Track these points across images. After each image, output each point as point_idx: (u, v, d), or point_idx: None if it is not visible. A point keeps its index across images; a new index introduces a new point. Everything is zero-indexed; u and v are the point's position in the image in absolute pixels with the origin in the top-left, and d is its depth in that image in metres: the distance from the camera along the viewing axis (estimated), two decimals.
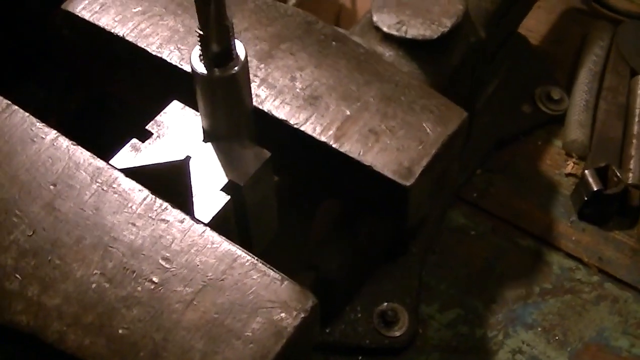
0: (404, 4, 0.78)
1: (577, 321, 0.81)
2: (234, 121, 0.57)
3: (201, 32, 0.53)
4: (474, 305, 0.83)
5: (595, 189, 0.84)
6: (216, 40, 0.53)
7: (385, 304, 0.81)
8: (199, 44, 0.53)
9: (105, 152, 0.60)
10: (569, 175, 0.90)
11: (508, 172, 0.90)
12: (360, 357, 0.80)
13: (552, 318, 0.82)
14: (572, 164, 0.90)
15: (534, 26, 1.00)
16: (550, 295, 0.83)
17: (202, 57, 0.54)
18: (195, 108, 0.60)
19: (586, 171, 0.85)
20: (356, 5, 1.23)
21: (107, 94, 0.80)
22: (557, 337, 0.80)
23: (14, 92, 0.94)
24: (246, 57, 0.54)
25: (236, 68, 0.54)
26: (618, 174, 0.84)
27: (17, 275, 0.55)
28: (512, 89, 0.92)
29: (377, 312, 0.80)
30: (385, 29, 0.76)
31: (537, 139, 0.93)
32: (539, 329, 0.81)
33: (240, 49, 0.54)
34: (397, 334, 0.80)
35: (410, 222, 0.60)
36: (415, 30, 0.76)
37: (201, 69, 0.54)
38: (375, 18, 0.77)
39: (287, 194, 0.66)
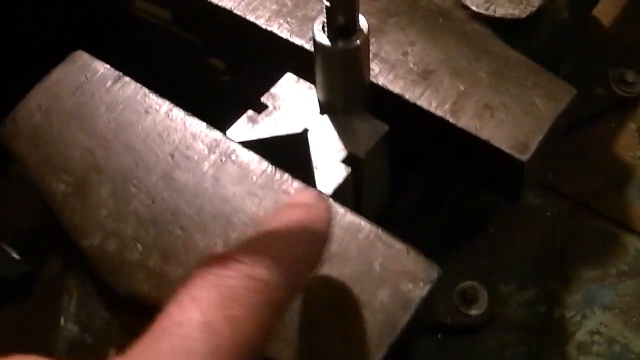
0: None
1: None
2: (352, 94, 0.57)
3: (328, 4, 0.53)
4: (551, 285, 0.83)
5: None
6: (342, 12, 0.53)
7: (465, 282, 0.81)
8: (324, 15, 0.54)
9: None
10: None
11: (582, 154, 0.90)
12: (439, 335, 0.80)
13: (629, 300, 0.82)
14: None
15: (605, 8, 1.00)
16: (626, 277, 0.83)
17: (325, 29, 0.54)
18: (307, 80, 0.60)
19: None
20: None
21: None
22: (634, 319, 0.81)
23: None
24: (368, 30, 0.55)
25: (359, 41, 0.54)
26: None
27: (138, 245, 0.55)
28: (584, 72, 0.92)
29: (457, 291, 0.81)
30: (473, 8, 0.76)
31: (610, 121, 0.92)
32: (617, 311, 0.81)
33: (362, 21, 0.55)
34: (477, 312, 0.80)
35: (522, 196, 0.60)
36: (504, 9, 0.76)
37: (324, 40, 0.54)
38: None
39: None
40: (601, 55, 0.94)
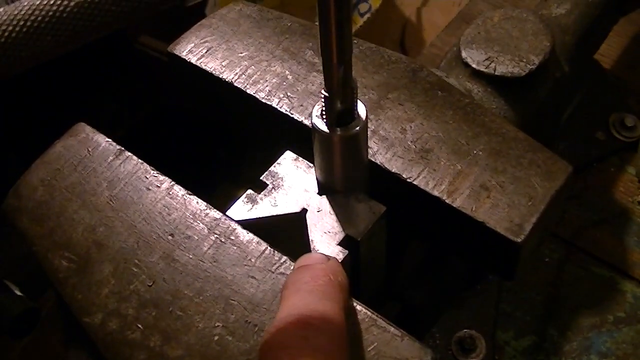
0: (492, 40, 0.78)
1: None
2: (350, 176, 0.58)
3: (327, 94, 0.53)
4: (549, 332, 0.84)
5: None
6: (341, 102, 0.54)
7: (463, 331, 0.82)
8: (322, 103, 0.54)
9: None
10: None
11: (582, 199, 0.91)
12: None
13: (625, 347, 0.83)
14: None
15: (606, 51, 1.00)
16: (624, 324, 0.85)
17: (324, 116, 0.55)
18: (305, 155, 0.61)
19: None
20: (421, 19, 1.24)
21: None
22: None
23: (87, 103, 0.96)
24: (367, 116, 0.55)
25: (357, 128, 0.55)
26: None
27: (139, 325, 0.56)
28: (586, 116, 0.93)
29: (455, 339, 0.82)
30: (474, 66, 0.77)
31: (610, 165, 0.93)
32: (613, 358, 0.82)
33: (361, 108, 0.55)
34: None
35: (517, 274, 0.61)
36: (504, 67, 0.77)
37: (323, 127, 0.55)
38: (464, 54, 0.78)
39: None
40: (603, 99, 0.95)
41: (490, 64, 0.76)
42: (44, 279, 0.65)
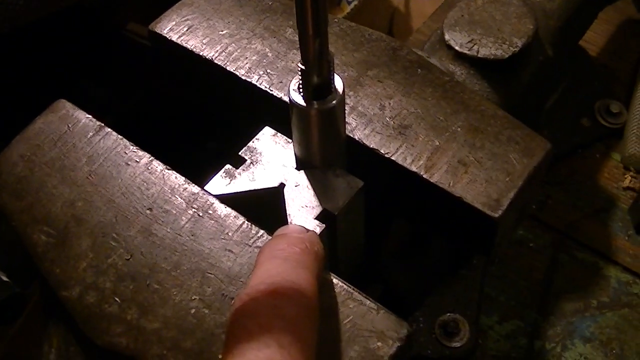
0: (475, 23, 0.78)
1: (634, 335, 0.82)
2: (328, 151, 0.58)
3: (303, 67, 0.53)
4: (533, 317, 0.84)
5: None
6: (317, 75, 0.54)
7: (447, 314, 0.82)
8: (299, 77, 0.54)
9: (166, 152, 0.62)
10: (626, 189, 0.91)
11: (567, 185, 0.91)
12: None
13: (609, 332, 0.83)
14: (629, 178, 0.91)
15: (593, 38, 1.01)
16: (607, 309, 0.85)
17: (301, 90, 0.55)
18: (285, 133, 0.61)
19: None
20: (409, 8, 1.24)
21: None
22: (614, 351, 0.82)
23: (75, 89, 0.96)
24: (344, 90, 0.55)
25: (334, 102, 0.55)
26: None
27: (116, 299, 0.56)
28: (572, 103, 0.93)
29: (438, 323, 0.82)
30: (457, 48, 0.77)
31: (595, 152, 0.93)
32: (597, 342, 0.82)
33: (338, 82, 0.55)
34: (458, 344, 0.81)
35: (495, 250, 0.61)
36: (487, 49, 0.77)
37: (300, 101, 0.55)
38: (447, 36, 0.78)
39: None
40: (588, 86, 0.95)
41: (473, 46, 0.76)
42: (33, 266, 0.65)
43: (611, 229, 0.89)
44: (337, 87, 0.55)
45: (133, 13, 1.02)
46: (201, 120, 0.82)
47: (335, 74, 0.55)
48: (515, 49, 0.76)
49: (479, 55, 0.76)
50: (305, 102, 0.55)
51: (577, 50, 0.95)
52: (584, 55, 0.96)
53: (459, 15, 0.79)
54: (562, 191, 0.91)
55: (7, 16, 0.58)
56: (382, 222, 0.72)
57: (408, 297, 0.77)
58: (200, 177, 0.61)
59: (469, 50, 0.77)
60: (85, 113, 0.63)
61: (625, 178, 0.92)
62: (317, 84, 0.54)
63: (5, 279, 0.79)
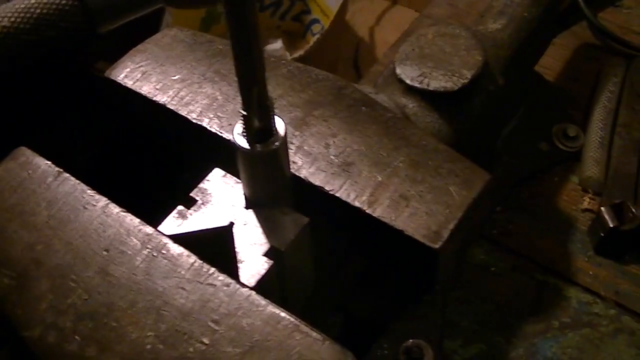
0: (426, 56, 0.81)
1: (595, 354, 0.84)
2: (273, 190, 0.61)
3: (244, 113, 0.56)
4: (496, 340, 0.86)
5: (611, 226, 0.87)
6: (258, 119, 0.57)
7: (411, 340, 0.85)
8: (242, 122, 0.57)
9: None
10: (585, 210, 0.93)
11: (527, 209, 0.94)
12: None
13: (571, 351, 0.85)
14: (588, 200, 0.94)
15: (549, 63, 1.03)
16: (569, 329, 0.87)
17: (244, 134, 0.58)
18: (235, 174, 0.64)
19: (602, 208, 0.88)
20: (374, 38, 1.27)
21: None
22: None
23: (37, 136, 0.98)
24: (285, 132, 0.58)
25: (276, 143, 0.58)
26: (633, 210, 0.88)
27: (77, 337, 0.59)
28: (530, 128, 0.96)
29: (403, 349, 0.84)
30: (408, 81, 0.80)
31: (554, 175, 0.96)
32: None
33: (280, 125, 0.58)
34: None
35: (439, 280, 0.63)
36: (437, 82, 0.80)
37: (244, 144, 0.58)
38: (398, 70, 0.81)
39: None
40: (545, 111, 0.98)
41: (423, 79, 0.79)
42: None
43: (571, 251, 0.92)
44: (278, 129, 0.58)
45: (101, 51, 1.04)
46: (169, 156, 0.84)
47: (277, 117, 0.58)
48: (465, 81, 0.79)
49: (429, 88, 0.79)
50: (248, 145, 0.58)
51: (533, 75, 0.98)
52: (541, 80, 0.99)
53: (409, 50, 0.82)
54: (523, 215, 0.94)
55: None
56: (338, 253, 0.74)
57: (370, 323, 0.80)
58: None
59: (419, 84, 0.79)
60: (44, 159, 0.66)
61: (584, 200, 0.94)
62: (258, 128, 0.57)
63: None
